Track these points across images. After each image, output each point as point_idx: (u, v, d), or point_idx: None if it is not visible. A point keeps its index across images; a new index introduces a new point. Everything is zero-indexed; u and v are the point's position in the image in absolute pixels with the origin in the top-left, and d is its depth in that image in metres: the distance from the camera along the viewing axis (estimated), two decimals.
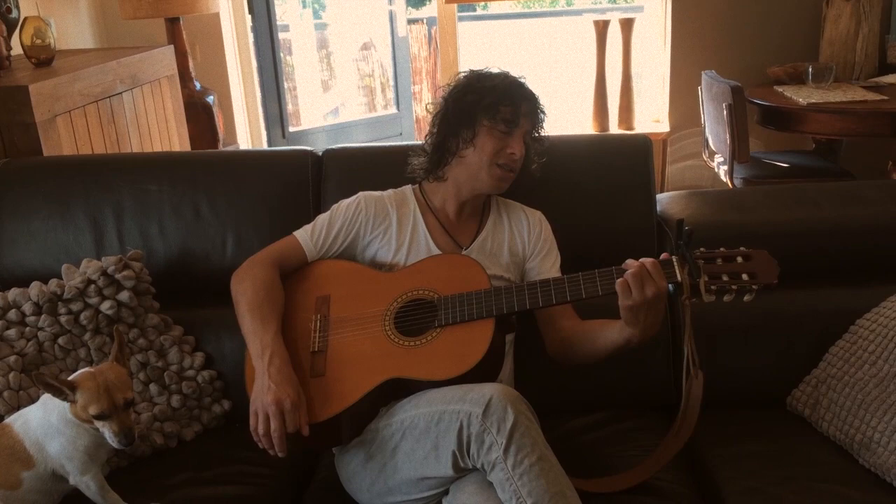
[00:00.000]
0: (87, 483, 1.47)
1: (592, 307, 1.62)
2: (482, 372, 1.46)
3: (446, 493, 1.44)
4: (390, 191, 1.78)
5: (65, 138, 2.29)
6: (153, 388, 1.78)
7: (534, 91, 1.70)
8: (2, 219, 1.94)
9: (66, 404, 1.44)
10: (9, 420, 1.51)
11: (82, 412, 1.42)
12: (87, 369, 1.46)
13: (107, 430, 1.43)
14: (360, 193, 1.75)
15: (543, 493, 1.28)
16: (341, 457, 1.60)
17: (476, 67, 1.74)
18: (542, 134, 1.74)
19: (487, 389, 1.37)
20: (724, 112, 3.27)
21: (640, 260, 1.42)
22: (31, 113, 2.15)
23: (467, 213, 1.74)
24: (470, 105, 1.65)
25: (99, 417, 1.41)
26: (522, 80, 1.70)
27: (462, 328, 1.51)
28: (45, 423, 1.46)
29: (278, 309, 1.60)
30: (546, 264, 1.74)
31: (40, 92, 2.19)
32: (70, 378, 1.43)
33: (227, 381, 1.88)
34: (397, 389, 1.50)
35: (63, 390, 1.41)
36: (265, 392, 1.45)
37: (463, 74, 1.72)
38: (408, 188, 1.79)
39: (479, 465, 1.35)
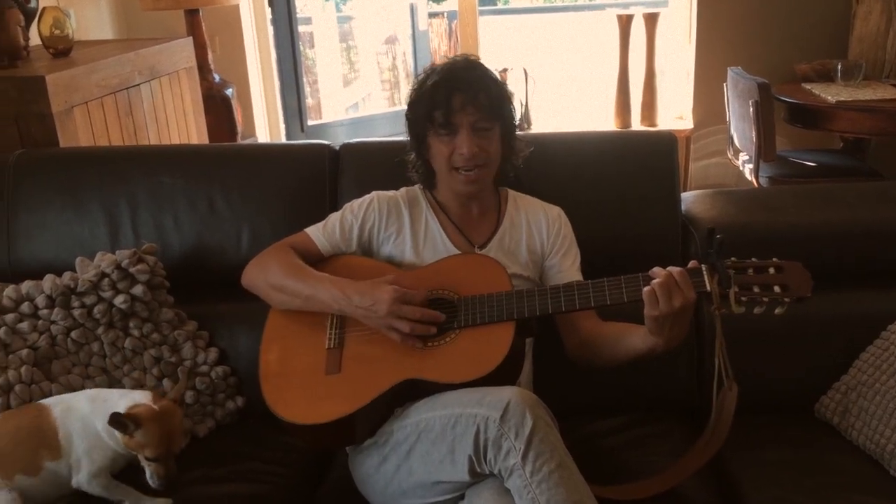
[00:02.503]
0: (92, 485, 1.45)
1: (614, 308, 1.58)
2: (501, 376, 1.42)
3: (462, 497, 1.41)
4: (403, 190, 1.74)
5: (82, 130, 2.28)
6: (166, 383, 1.76)
7: (478, 74, 1.59)
8: (16, 210, 1.93)
9: (121, 406, 1.41)
10: (48, 402, 1.50)
11: (136, 448, 1.39)
12: (151, 405, 1.41)
13: (150, 470, 1.40)
14: (373, 193, 1.72)
15: (563, 501, 1.25)
16: (355, 457, 1.57)
17: (432, 63, 1.69)
18: (508, 113, 1.63)
19: (505, 393, 1.33)
20: (751, 109, 3.20)
21: (668, 269, 1.37)
22: (47, 103, 2.13)
23: (478, 210, 1.70)
24: (414, 121, 1.63)
25: (151, 460, 1.39)
26: (459, 70, 1.59)
27: (481, 330, 1.47)
28: (87, 422, 1.43)
29: (312, 269, 1.59)
30: (566, 262, 1.69)
31: (57, 83, 2.17)
32: (137, 412, 1.39)
33: (241, 378, 1.85)
34: (413, 390, 1.46)
35: (126, 425, 1.37)
36: (377, 314, 1.46)
37: (419, 77, 1.67)
38: (418, 187, 1.75)
39: (495, 471, 1.31)
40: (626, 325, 1.53)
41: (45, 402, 1.51)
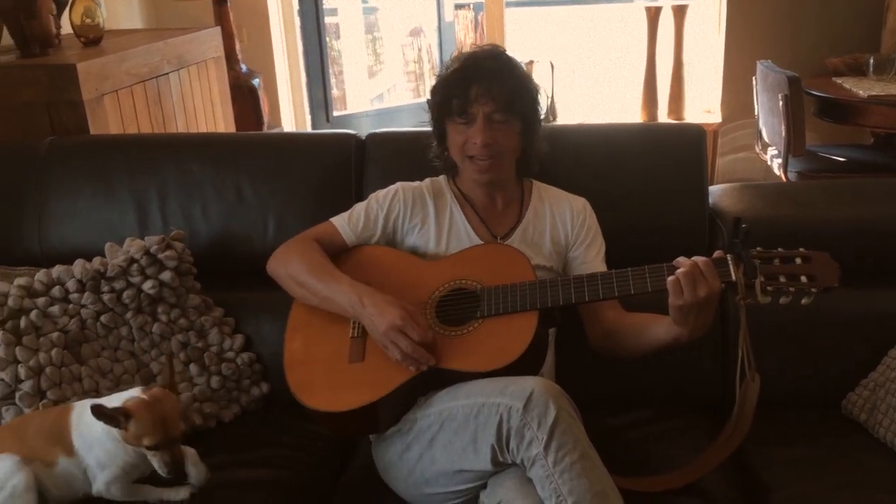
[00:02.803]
0: (111, 491, 1.46)
1: (638, 299, 1.57)
2: (523, 366, 1.42)
3: (484, 486, 1.41)
4: (427, 180, 1.74)
5: (111, 118, 2.30)
6: (193, 368, 1.78)
7: (500, 64, 1.59)
8: (47, 196, 1.96)
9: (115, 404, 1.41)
10: (74, 404, 1.51)
11: (134, 440, 1.39)
12: (140, 396, 1.40)
13: (156, 460, 1.40)
14: (398, 184, 1.73)
15: (585, 492, 1.25)
16: (378, 445, 1.58)
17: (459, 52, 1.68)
18: (526, 104, 1.62)
19: (528, 383, 1.33)
20: (780, 103, 3.16)
21: (693, 258, 1.37)
22: (78, 91, 2.16)
23: (502, 201, 1.70)
24: (434, 108, 1.65)
25: (152, 448, 1.39)
26: (480, 59, 1.59)
27: (504, 320, 1.47)
28: (94, 430, 1.43)
29: (335, 268, 1.59)
30: (590, 253, 1.69)
31: (88, 71, 2.20)
32: (124, 405, 1.39)
33: (266, 365, 1.87)
34: (436, 379, 1.47)
35: (117, 419, 1.37)
36: (377, 328, 1.46)
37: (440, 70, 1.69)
38: (442, 178, 1.75)
39: (518, 461, 1.32)
40: (650, 316, 1.52)
41: (75, 402, 1.53)
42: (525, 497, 1.30)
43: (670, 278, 1.36)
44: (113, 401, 1.44)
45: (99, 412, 1.36)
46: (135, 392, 1.44)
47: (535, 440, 1.28)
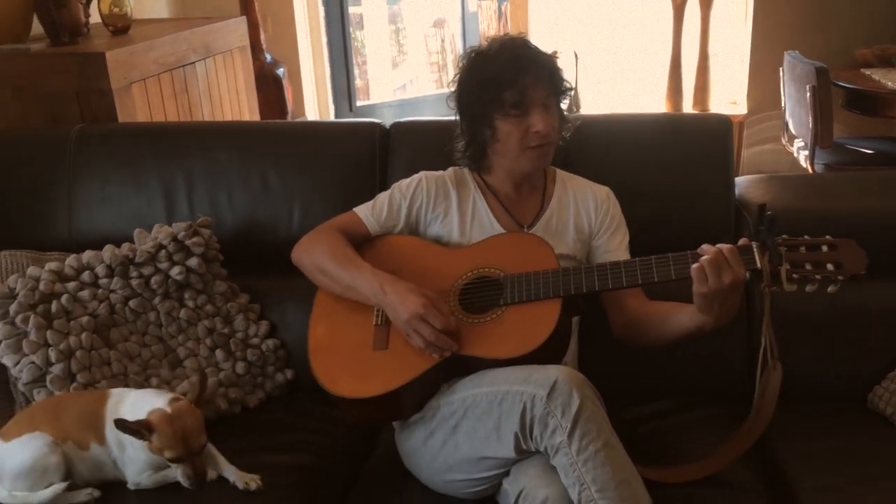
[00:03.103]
0: (142, 484, 1.50)
1: (661, 288, 1.56)
2: (546, 353, 1.43)
3: (507, 474, 1.42)
4: (450, 170, 1.74)
5: (139, 106, 2.33)
6: (219, 353, 1.80)
7: (537, 51, 1.59)
8: (77, 183, 1.98)
9: (146, 410, 1.43)
10: (111, 392, 1.54)
11: (157, 452, 1.42)
12: (164, 409, 1.42)
13: (179, 472, 1.42)
14: (421, 173, 1.73)
15: (608, 480, 1.25)
16: (402, 432, 1.59)
17: (475, 45, 1.66)
18: (566, 87, 1.62)
19: (552, 371, 1.33)
20: (808, 94, 3.13)
21: (718, 245, 1.36)
22: (107, 80, 2.18)
23: (527, 190, 1.70)
24: (475, 105, 1.59)
25: (173, 461, 1.41)
26: (519, 48, 1.58)
27: (528, 307, 1.48)
28: (132, 418, 1.45)
29: (359, 256, 1.60)
30: (614, 242, 1.68)
31: (116, 59, 2.22)
32: (147, 418, 1.41)
33: (291, 351, 1.89)
34: (459, 366, 1.48)
35: (140, 432, 1.40)
36: (399, 317, 1.47)
37: (462, 63, 1.64)
38: (465, 169, 1.75)
39: (541, 449, 1.32)
40: (674, 304, 1.52)
41: (111, 390, 1.55)
42: (548, 485, 1.30)
43: (694, 266, 1.35)
44: (144, 403, 1.47)
45: (122, 426, 1.39)
46: (162, 400, 1.45)
47: (558, 428, 1.28)
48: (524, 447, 1.34)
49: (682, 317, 1.47)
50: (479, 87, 1.57)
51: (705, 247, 1.38)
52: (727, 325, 1.43)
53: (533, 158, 1.60)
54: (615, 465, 1.27)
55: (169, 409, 1.42)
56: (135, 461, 1.48)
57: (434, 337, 1.44)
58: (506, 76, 1.54)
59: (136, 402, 1.48)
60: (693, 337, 1.47)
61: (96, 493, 1.50)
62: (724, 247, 1.35)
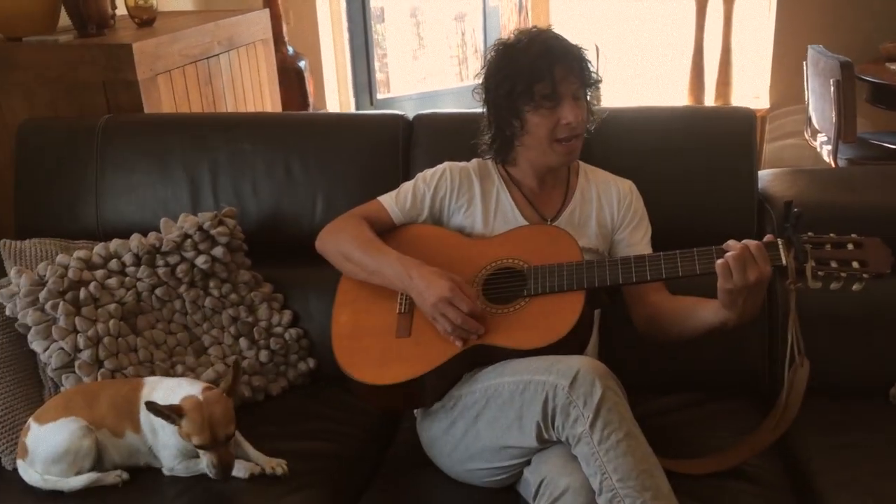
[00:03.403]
0: (180, 469, 1.52)
1: (684, 283, 1.57)
2: (569, 345, 1.43)
3: (528, 463, 1.43)
4: (474, 161, 1.75)
5: (164, 97, 2.35)
6: (243, 342, 1.83)
7: (567, 43, 1.58)
8: (104, 172, 2.01)
9: (178, 397, 1.46)
10: (146, 380, 1.57)
11: (186, 438, 1.44)
12: (196, 396, 1.45)
13: (205, 460, 1.44)
14: (445, 163, 1.73)
15: (630, 470, 1.25)
16: (423, 421, 1.61)
17: (503, 38, 1.65)
18: (595, 79, 1.62)
19: (575, 362, 1.34)
20: (831, 89, 3.10)
21: (744, 242, 1.36)
22: (133, 71, 2.20)
23: (550, 183, 1.70)
24: (506, 97, 1.58)
25: (200, 448, 1.43)
26: (550, 40, 1.57)
27: (551, 299, 1.48)
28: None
29: (383, 242, 1.61)
30: (636, 236, 1.68)
31: (143, 51, 2.24)
32: (179, 403, 1.44)
33: (313, 340, 1.91)
34: (482, 356, 1.49)
35: (171, 416, 1.43)
36: (426, 301, 1.48)
37: (490, 55, 1.63)
38: (489, 161, 1.75)
39: (563, 438, 1.33)
40: (697, 299, 1.52)
41: (146, 378, 1.58)
42: (569, 474, 1.31)
43: (720, 261, 1.35)
44: (178, 390, 1.49)
45: (153, 408, 1.41)
46: (196, 389, 1.47)
47: (580, 418, 1.29)
48: (546, 437, 1.35)
49: (706, 312, 1.47)
50: (509, 80, 1.57)
51: (731, 243, 1.38)
52: (753, 318, 1.43)
53: (561, 153, 1.60)
54: (637, 455, 1.27)
55: (200, 397, 1.44)
56: (167, 446, 1.51)
57: (461, 320, 1.45)
58: (537, 68, 1.54)
59: (170, 390, 1.50)
60: (716, 333, 1.47)
61: (125, 476, 1.53)
62: (750, 243, 1.35)
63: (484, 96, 1.65)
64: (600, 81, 1.65)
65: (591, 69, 1.61)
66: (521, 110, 1.57)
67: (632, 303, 1.66)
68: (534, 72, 1.54)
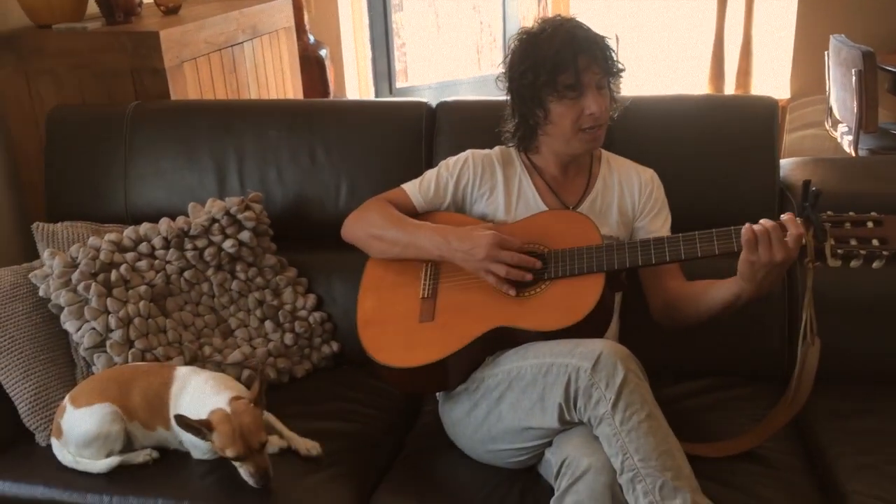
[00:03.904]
0: (206, 458, 1.56)
1: (701, 269, 1.59)
2: (590, 327, 1.45)
3: (549, 444, 1.45)
4: (497, 149, 1.76)
5: (190, 84, 2.38)
6: (268, 324, 1.86)
7: (591, 33, 1.58)
8: (133, 158, 2.05)
9: (207, 406, 1.48)
10: (177, 373, 1.58)
11: (220, 451, 1.46)
12: (223, 409, 1.46)
13: (243, 471, 1.46)
14: (468, 151, 1.75)
15: (651, 450, 1.28)
16: (445, 403, 1.63)
17: (527, 27, 1.65)
18: (618, 68, 1.63)
19: (597, 345, 1.36)
20: (853, 78, 3.09)
21: (775, 221, 1.37)
22: (160, 58, 2.23)
23: (573, 171, 1.71)
24: (529, 87, 1.58)
25: (235, 460, 1.45)
26: (574, 30, 1.56)
27: (572, 281, 1.50)
28: (191, 410, 1.49)
29: (412, 218, 1.64)
30: (656, 224, 1.70)
31: (169, 38, 2.27)
32: (207, 418, 1.46)
33: (337, 324, 1.94)
34: (504, 339, 1.51)
35: (201, 431, 1.45)
36: (475, 258, 1.51)
37: (514, 44, 1.63)
38: (512, 148, 1.77)
39: (585, 420, 1.35)
40: (710, 281, 1.55)
41: (176, 372, 1.59)
42: (591, 454, 1.33)
43: (747, 232, 1.36)
44: (205, 399, 1.51)
45: (184, 423, 1.44)
46: (223, 399, 1.49)
47: (602, 399, 1.31)
48: (567, 418, 1.38)
49: (721, 288, 1.49)
50: (533, 70, 1.57)
51: (765, 221, 1.38)
52: (765, 303, 1.45)
53: (585, 141, 1.61)
54: (658, 436, 1.29)
55: (228, 409, 1.46)
56: (197, 446, 1.54)
57: (517, 259, 1.49)
58: (561, 58, 1.54)
59: (197, 396, 1.52)
60: (731, 308, 1.49)
61: (155, 454, 1.57)
62: (786, 219, 1.36)
63: (507, 85, 1.66)
64: (623, 70, 1.65)
65: (615, 58, 1.62)
66: (545, 100, 1.58)
67: (649, 289, 1.68)
68: (558, 62, 1.54)
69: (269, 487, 1.46)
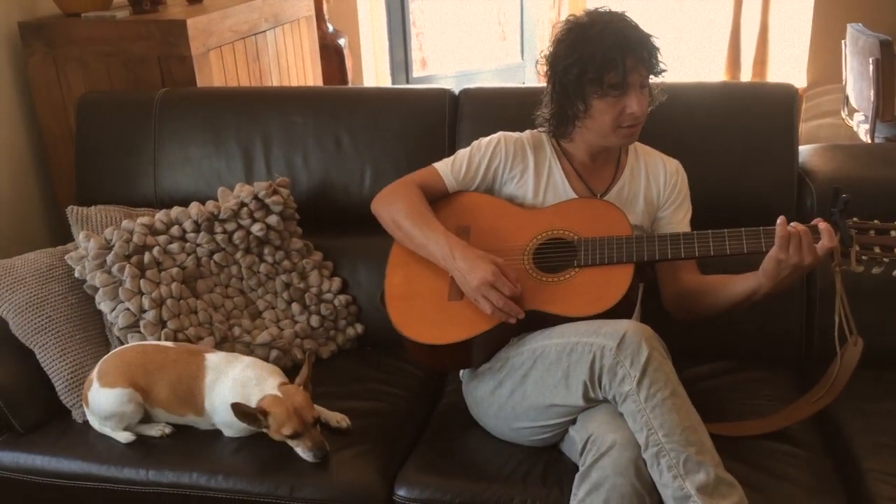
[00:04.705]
0: (240, 435, 1.61)
1: (714, 266, 1.63)
2: (615, 315, 1.48)
3: (573, 422, 1.49)
4: (528, 132, 1.77)
5: (215, 72, 2.42)
6: (295, 307, 1.90)
7: (640, 32, 1.57)
8: (162, 144, 2.09)
9: (255, 395, 1.53)
10: (208, 362, 1.61)
11: (276, 434, 1.51)
12: (273, 394, 1.52)
13: (300, 448, 1.51)
14: (500, 133, 1.76)
15: (675, 426, 1.31)
16: (469, 382, 1.67)
17: (574, 17, 1.63)
18: (660, 67, 1.62)
19: (622, 325, 1.40)
20: (870, 67, 3.10)
21: (805, 225, 1.41)
22: (187, 46, 2.28)
23: (602, 160, 1.73)
24: (575, 81, 1.57)
25: (292, 437, 1.50)
26: (625, 29, 1.56)
27: (601, 270, 1.53)
28: (227, 395, 1.55)
29: (434, 217, 1.66)
30: (678, 216, 1.72)
31: (196, 26, 2.31)
32: (259, 405, 1.51)
33: (361, 307, 1.98)
34: (530, 322, 1.54)
35: (258, 417, 1.50)
36: (468, 283, 1.52)
37: (561, 35, 1.62)
38: (543, 133, 1.79)
39: (609, 397, 1.39)
40: (726, 276, 1.58)
41: (206, 362, 1.61)
42: (616, 430, 1.37)
43: (782, 231, 1.39)
44: (247, 387, 1.55)
45: (241, 411, 1.49)
46: (271, 387, 1.54)
47: (627, 377, 1.35)
48: (591, 395, 1.41)
49: (738, 284, 1.53)
50: (579, 64, 1.55)
51: (796, 224, 1.42)
52: (784, 293, 1.48)
53: (622, 136, 1.62)
54: (681, 413, 1.33)
55: (279, 392, 1.52)
56: (230, 426, 1.59)
57: (502, 303, 1.50)
58: (610, 58, 1.52)
59: (240, 386, 1.55)
60: (744, 304, 1.53)
61: (167, 430, 1.63)
62: (820, 229, 1.41)
63: (549, 73, 1.65)
64: (666, 70, 1.64)
65: (659, 58, 1.61)
66: (588, 95, 1.58)
67: (663, 281, 1.70)
68: (606, 61, 1.53)
69: (327, 460, 1.52)
